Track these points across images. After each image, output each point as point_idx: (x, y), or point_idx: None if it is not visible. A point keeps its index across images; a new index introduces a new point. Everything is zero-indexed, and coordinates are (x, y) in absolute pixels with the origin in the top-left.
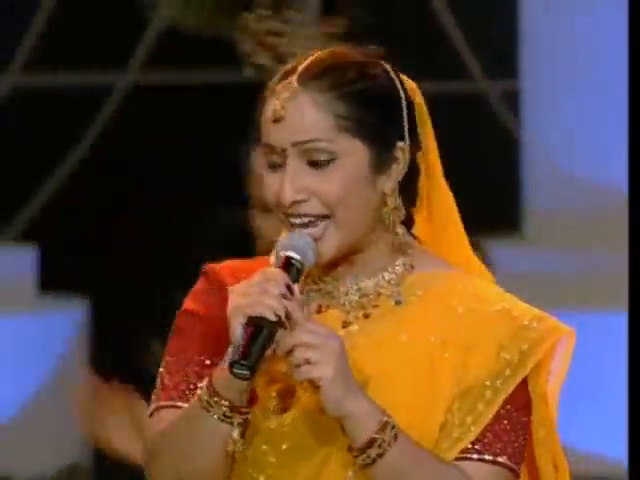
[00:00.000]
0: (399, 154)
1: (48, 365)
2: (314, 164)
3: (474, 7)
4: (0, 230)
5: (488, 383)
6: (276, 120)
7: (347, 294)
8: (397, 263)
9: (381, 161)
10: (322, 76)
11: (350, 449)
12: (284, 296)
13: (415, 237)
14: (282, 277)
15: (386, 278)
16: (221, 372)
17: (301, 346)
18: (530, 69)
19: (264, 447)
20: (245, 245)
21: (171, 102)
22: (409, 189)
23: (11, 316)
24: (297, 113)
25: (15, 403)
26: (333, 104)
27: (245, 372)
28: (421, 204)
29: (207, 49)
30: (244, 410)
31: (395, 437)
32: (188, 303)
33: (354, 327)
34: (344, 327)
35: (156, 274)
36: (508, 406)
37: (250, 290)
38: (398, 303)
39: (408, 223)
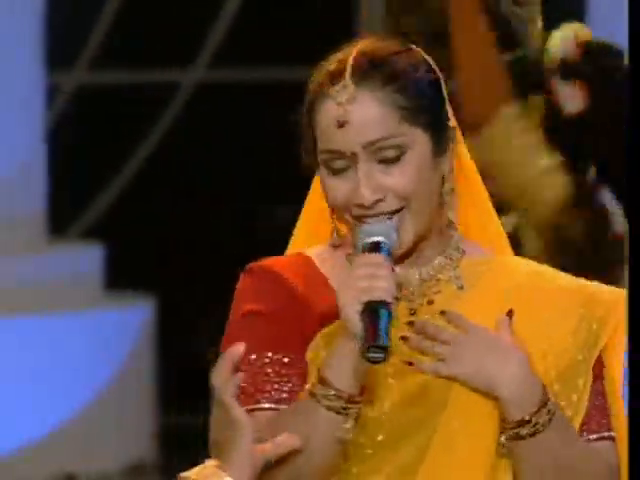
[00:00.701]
0: (451, 133)
1: (115, 363)
2: (384, 161)
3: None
4: (67, 228)
5: (580, 357)
6: (341, 125)
7: (409, 282)
8: (450, 247)
9: (440, 144)
10: (375, 72)
11: (503, 420)
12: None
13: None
14: (384, 260)
15: (442, 263)
16: (332, 366)
17: (437, 341)
18: None
19: (362, 440)
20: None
21: (237, 100)
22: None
23: (78, 314)
24: (361, 114)
25: (82, 401)
26: (393, 97)
27: (381, 355)
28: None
29: (273, 47)
30: (358, 399)
31: (550, 419)
32: (249, 304)
33: (424, 316)
34: (412, 314)
35: (222, 271)
36: (598, 379)
37: (358, 278)
38: (460, 288)
39: None
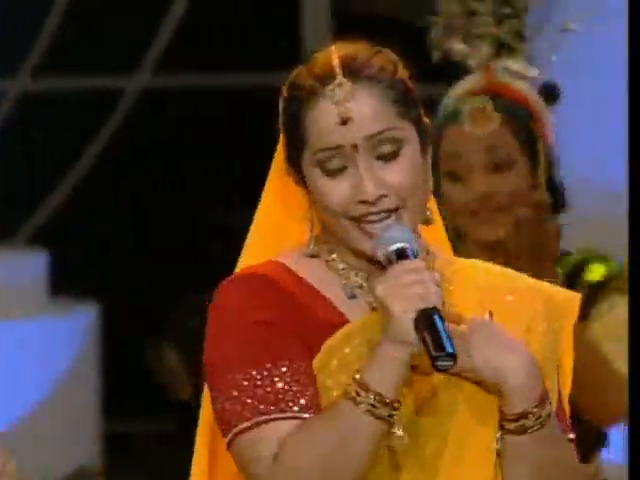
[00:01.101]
0: (428, 132)
1: (58, 369)
2: (383, 157)
3: None
4: (11, 235)
5: (548, 357)
6: (344, 122)
7: None
8: (422, 249)
9: (423, 142)
10: (367, 70)
11: (502, 414)
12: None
13: None
14: (424, 265)
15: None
16: (373, 371)
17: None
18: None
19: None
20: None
21: (181, 106)
22: None
23: (22, 321)
24: (360, 109)
25: (26, 407)
26: (387, 92)
27: (450, 362)
28: None
29: (217, 53)
30: (398, 406)
31: (549, 414)
32: (256, 312)
33: None
34: None
35: (166, 278)
36: (557, 382)
37: (406, 285)
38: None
39: None
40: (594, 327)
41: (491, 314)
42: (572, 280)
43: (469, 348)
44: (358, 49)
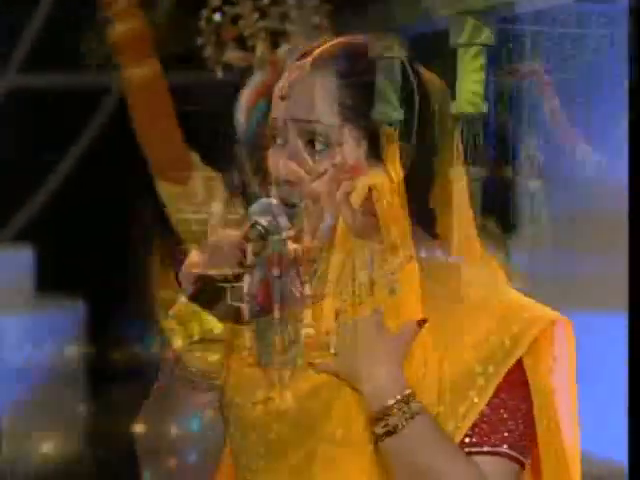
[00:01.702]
0: (398, 151)
1: (45, 365)
2: (311, 146)
3: None
4: None
5: (480, 370)
6: (282, 97)
7: (345, 284)
8: (394, 255)
9: (378, 156)
10: (335, 63)
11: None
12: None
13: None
14: (234, 238)
15: (384, 268)
16: None
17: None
18: None
19: (254, 437)
20: None
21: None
22: (422, 188)
23: (8, 316)
24: (304, 93)
25: (12, 402)
26: (341, 92)
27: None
28: (435, 201)
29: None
30: (213, 375)
31: (412, 415)
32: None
33: (346, 317)
34: (336, 315)
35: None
36: (503, 395)
37: (203, 252)
38: (392, 292)
39: (426, 218)
40: None
41: (422, 323)
42: None
43: (347, 350)
44: (355, 44)
